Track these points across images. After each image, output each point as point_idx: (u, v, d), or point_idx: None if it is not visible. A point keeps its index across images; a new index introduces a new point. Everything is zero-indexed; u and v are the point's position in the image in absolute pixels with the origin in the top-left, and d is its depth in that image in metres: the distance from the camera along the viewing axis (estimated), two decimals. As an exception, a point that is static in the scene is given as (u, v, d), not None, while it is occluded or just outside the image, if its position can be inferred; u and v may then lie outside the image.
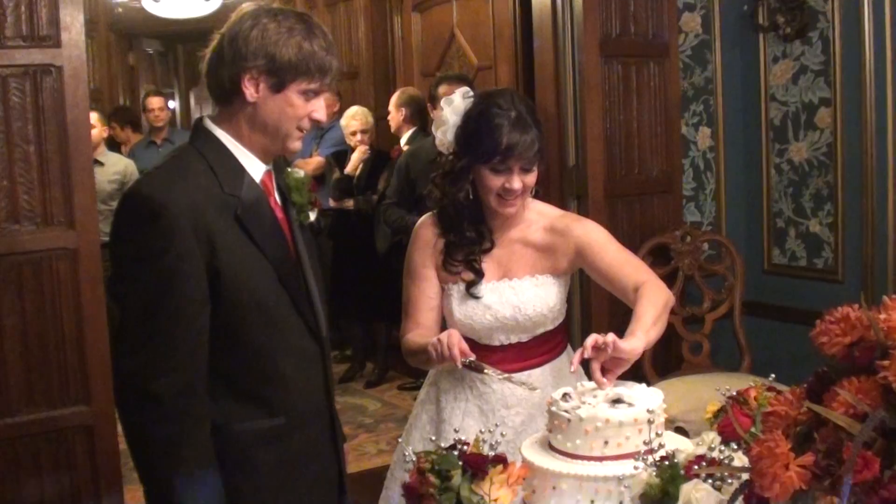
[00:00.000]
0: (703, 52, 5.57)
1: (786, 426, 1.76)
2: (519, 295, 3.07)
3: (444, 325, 3.16)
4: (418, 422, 3.25)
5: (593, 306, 5.11)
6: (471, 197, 3.06)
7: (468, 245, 3.10)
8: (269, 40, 2.39)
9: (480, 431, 2.46)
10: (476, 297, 3.08)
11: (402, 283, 3.22)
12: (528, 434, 3.01)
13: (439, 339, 2.82)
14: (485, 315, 3.06)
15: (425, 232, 3.18)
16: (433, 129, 3.18)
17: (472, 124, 3.01)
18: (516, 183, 2.96)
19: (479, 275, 3.09)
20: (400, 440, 3.19)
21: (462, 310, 3.08)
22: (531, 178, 3.00)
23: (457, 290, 3.11)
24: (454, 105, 3.09)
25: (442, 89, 5.57)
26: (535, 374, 3.11)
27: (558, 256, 3.12)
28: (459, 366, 2.81)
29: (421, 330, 3.11)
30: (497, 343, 3.07)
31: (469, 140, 3.01)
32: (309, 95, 2.46)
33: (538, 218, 3.16)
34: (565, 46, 5.20)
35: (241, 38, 2.40)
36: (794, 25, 5.21)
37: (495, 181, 2.97)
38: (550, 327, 3.15)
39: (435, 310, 3.16)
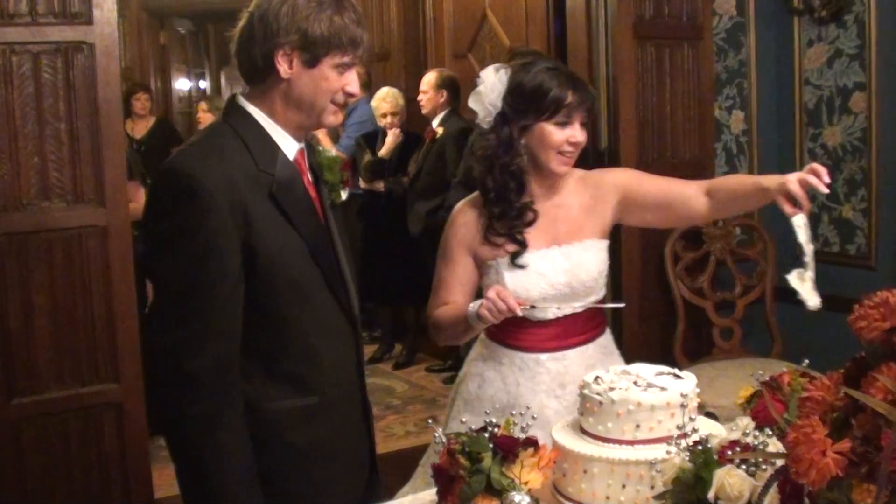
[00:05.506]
0: (737, 35, 5.54)
1: (822, 412, 1.74)
2: (570, 259, 3.06)
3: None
4: (455, 411, 3.21)
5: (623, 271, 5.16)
6: (525, 162, 3.07)
7: (513, 218, 3.09)
8: (300, 16, 2.38)
9: (511, 414, 2.44)
10: (521, 267, 3.06)
11: (435, 264, 3.21)
12: None
13: (488, 297, 2.82)
14: (539, 283, 3.04)
15: (463, 216, 3.16)
16: (471, 103, 3.15)
17: (531, 83, 3.01)
18: (580, 135, 3.02)
19: (523, 245, 3.07)
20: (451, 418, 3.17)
21: (516, 280, 3.05)
22: (585, 134, 3.06)
23: (505, 263, 3.08)
24: (499, 75, 3.07)
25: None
26: (590, 350, 3.12)
27: (601, 210, 3.13)
28: (520, 314, 2.81)
29: (450, 307, 3.11)
30: (551, 316, 3.04)
31: (530, 99, 3.01)
32: (342, 69, 2.45)
33: (567, 179, 3.17)
34: (598, 28, 5.18)
35: (271, 15, 2.39)
36: (829, 8, 5.17)
37: (559, 135, 3.00)
38: (600, 295, 3.15)
39: (466, 294, 3.13)
